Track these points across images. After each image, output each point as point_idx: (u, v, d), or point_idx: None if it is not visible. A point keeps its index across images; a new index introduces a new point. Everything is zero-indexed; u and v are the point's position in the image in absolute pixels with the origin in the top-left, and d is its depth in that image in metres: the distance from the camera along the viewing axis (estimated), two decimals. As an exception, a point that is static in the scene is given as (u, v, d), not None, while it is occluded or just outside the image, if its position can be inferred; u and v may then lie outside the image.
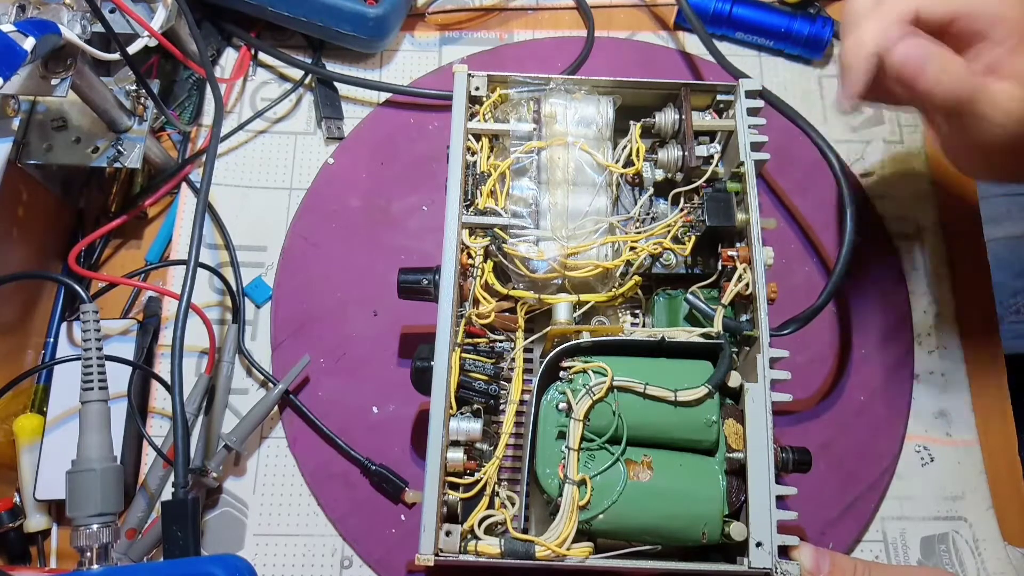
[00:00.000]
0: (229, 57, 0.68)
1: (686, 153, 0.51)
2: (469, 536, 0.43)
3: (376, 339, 0.60)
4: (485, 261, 0.48)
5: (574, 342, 0.45)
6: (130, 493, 0.54)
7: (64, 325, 0.58)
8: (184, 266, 0.51)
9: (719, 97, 0.52)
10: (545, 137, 0.51)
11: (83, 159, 0.57)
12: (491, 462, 0.44)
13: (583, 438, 0.43)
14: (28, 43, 0.45)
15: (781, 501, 0.42)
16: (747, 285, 0.47)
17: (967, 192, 0.66)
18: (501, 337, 0.48)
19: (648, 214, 0.52)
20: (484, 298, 0.48)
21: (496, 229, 0.48)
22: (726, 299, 0.47)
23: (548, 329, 0.48)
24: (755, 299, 0.46)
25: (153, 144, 0.60)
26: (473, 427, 0.44)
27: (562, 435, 0.44)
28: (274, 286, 0.61)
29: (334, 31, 0.65)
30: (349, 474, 0.56)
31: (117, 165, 0.57)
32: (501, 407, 0.47)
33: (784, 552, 0.42)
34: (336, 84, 0.67)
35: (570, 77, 0.52)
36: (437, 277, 0.48)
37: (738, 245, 0.49)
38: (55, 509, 0.55)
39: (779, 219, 0.64)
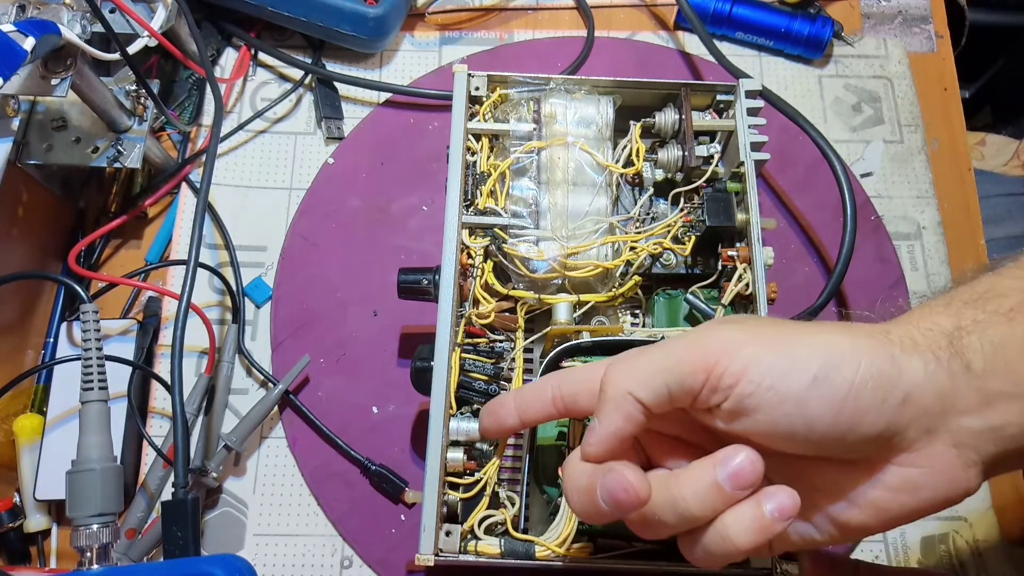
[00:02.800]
0: (229, 57, 0.68)
1: (686, 153, 0.51)
2: (469, 536, 0.43)
3: (376, 339, 0.60)
4: (485, 261, 0.48)
5: (574, 342, 0.45)
6: (130, 493, 0.54)
7: (64, 325, 0.58)
8: (184, 266, 0.51)
9: (719, 97, 0.52)
10: (545, 137, 0.51)
11: (83, 159, 0.57)
12: (491, 462, 0.44)
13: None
14: (28, 43, 0.45)
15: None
16: (747, 285, 0.47)
17: (967, 192, 0.66)
18: (501, 337, 0.48)
19: (648, 214, 0.52)
20: (484, 298, 0.48)
21: (496, 229, 0.48)
22: (726, 299, 0.47)
23: (548, 329, 0.48)
24: (755, 299, 0.46)
25: (153, 144, 0.60)
26: (473, 427, 0.44)
27: (562, 435, 0.43)
28: (274, 286, 0.61)
29: (334, 31, 0.65)
30: (349, 474, 0.56)
31: (117, 165, 0.57)
32: (501, 407, 0.47)
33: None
34: (336, 84, 0.67)
35: (570, 77, 0.52)
36: (437, 277, 0.48)
37: (738, 245, 0.49)
38: (55, 509, 0.55)
39: (779, 219, 0.64)
